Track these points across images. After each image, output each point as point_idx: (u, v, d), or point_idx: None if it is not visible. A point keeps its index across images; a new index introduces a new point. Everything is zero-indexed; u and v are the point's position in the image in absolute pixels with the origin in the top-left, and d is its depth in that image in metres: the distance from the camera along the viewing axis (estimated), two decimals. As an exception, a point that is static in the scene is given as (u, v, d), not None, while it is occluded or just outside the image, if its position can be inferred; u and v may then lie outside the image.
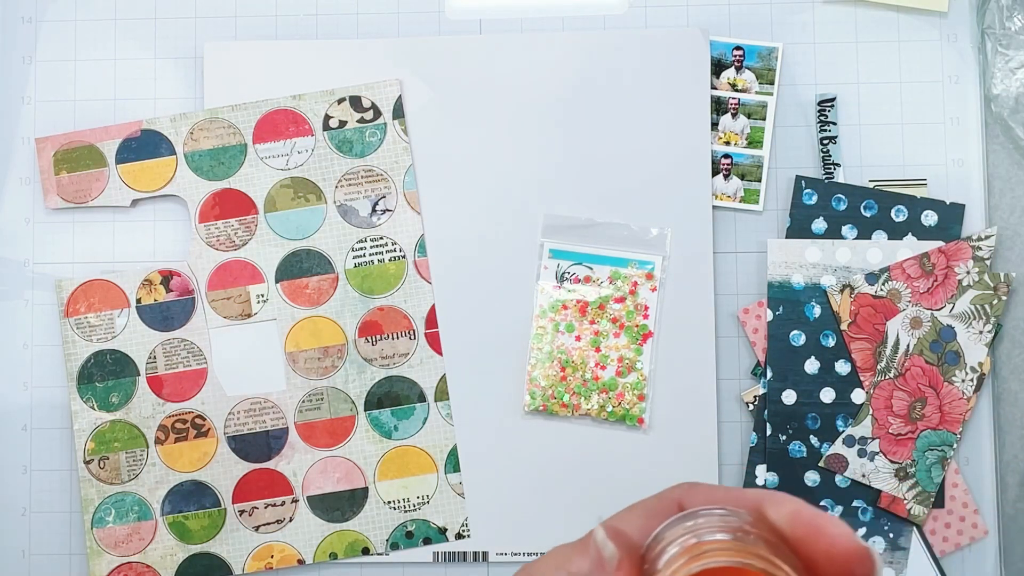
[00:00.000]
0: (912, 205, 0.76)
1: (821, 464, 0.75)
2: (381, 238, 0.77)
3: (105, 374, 0.77)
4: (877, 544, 0.75)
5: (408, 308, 0.77)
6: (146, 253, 0.79)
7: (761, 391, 0.76)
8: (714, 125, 0.78)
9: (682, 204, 0.77)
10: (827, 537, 0.26)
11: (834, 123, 0.77)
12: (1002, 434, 0.76)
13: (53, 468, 0.78)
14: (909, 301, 0.75)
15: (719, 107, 0.78)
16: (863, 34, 0.79)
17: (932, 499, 0.75)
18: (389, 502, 0.77)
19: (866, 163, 0.78)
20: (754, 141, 0.78)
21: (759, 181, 0.77)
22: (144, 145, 0.78)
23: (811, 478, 0.76)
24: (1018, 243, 0.77)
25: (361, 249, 0.77)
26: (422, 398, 0.77)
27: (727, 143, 0.78)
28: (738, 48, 0.78)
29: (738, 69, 0.78)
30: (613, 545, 0.28)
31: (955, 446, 0.75)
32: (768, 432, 0.76)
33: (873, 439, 0.75)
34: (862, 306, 0.75)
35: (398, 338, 0.77)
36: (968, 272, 0.75)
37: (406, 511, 0.76)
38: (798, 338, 0.76)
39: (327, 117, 0.78)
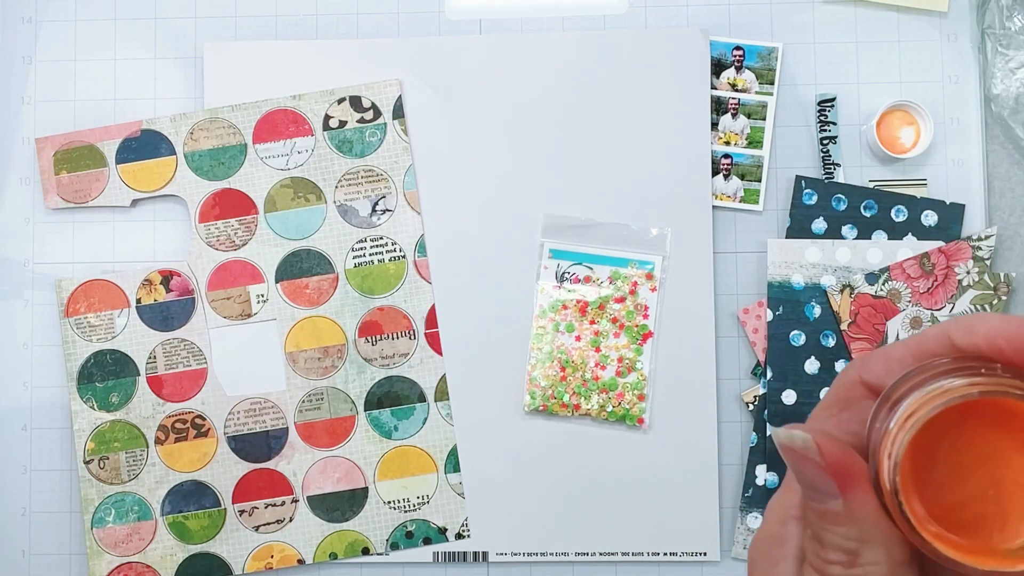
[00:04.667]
0: (912, 205, 0.76)
1: (821, 464, 0.75)
2: (381, 238, 0.77)
3: (105, 374, 0.77)
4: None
5: (408, 308, 0.77)
6: (146, 253, 0.79)
7: (761, 391, 0.76)
8: (714, 125, 0.78)
9: (682, 204, 0.77)
10: None
11: (834, 123, 0.77)
12: (1002, 434, 0.76)
13: (53, 468, 0.78)
14: (909, 301, 0.75)
15: (719, 107, 0.78)
16: (863, 34, 0.79)
17: (932, 499, 0.75)
18: (389, 502, 0.77)
19: (866, 163, 0.78)
20: (754, 141, 0.78)
21: (759, 181, 0.77)
22: (144, 145, 0.78)
23: (811, 478, 0.76)
24: (1018, 243, 0.77)
25: (361, 249, 0.77)
26: (422, 398, 0.77)
27: (727, 143, 0.78)
28: (738, 48, 0.78)
29: (738, 69, 0.78)
30: (800, 432, 0.25)
31: (955, 446, 0.75)
32: (768, 432, 0.76)
33: (873, 439, 0.75)
34: (862, 306, 0.75)
35: (398, 338, 0.77)
36: (968, 272, 0.75)
37: (406, 511, 0.76)
38: (798, 338, 0.76)
39: (327, 117, 0.78)
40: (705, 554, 0.76)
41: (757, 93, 0.78)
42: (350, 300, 0.77)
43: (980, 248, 0.75)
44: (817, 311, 0.76)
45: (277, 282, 0.77)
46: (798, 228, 0.77)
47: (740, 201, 0.77)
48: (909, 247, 0.75)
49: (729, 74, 0.78)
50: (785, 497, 0.27)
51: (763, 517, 0.28)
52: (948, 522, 0.24)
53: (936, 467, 0.24)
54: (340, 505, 0.77)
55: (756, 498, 0.76)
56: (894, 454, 0.23)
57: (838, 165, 0.77)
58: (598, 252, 0.77)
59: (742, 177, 0.77)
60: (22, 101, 0.80)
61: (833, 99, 0.77)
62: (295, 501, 0.77)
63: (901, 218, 0.76)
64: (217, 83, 0.79)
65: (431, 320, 0.77)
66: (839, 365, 0.75)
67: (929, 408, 0.23)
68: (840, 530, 0.24)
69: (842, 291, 0.76)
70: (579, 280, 0.77)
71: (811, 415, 0.28)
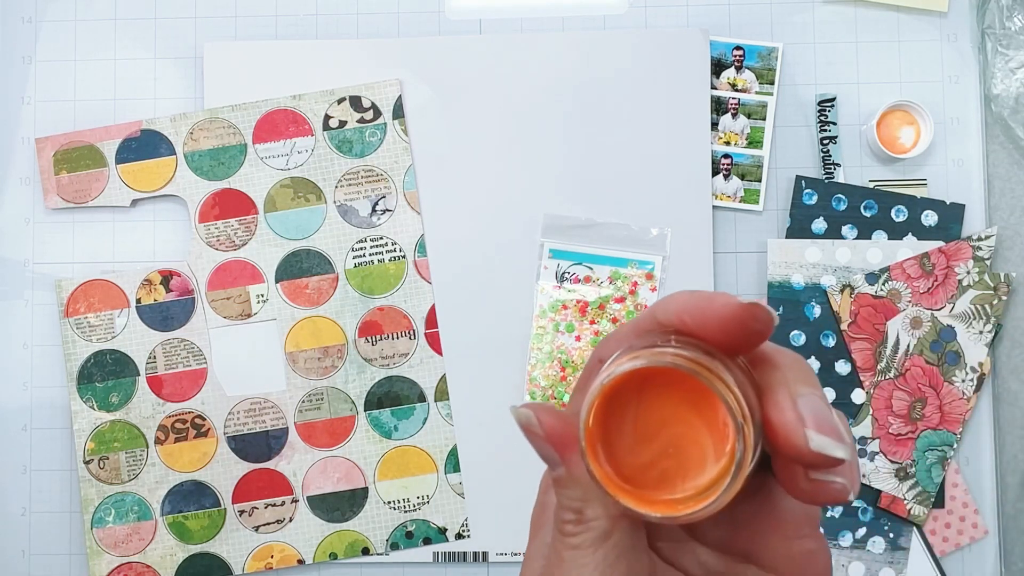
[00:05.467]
0: (912, 205, 0.76)
1: (821, 464, 0.75)
2: (381, 238, 0.77)
3: (105, 374, 0.77)
4: (877, 544, 0.75)
5: (408, 308, 0.77)
6: (146, 253, 0.79)
7: (761, 391, 0.76)
8: (714, 125, 0.78)
9: (682, 204, 0.77)
10: (712, 316, 0.26)
11: (834, 123, 0.77)
12: (1002, 434, 0.76)
13: (53, 468, 0.78)
14: (909, 301, 0.75)
15: (719, 107, 0.78)
16: (863, 34, 0.79)
17: (932, 499, 0.75)
18: (389, 502, 0.77)
19: (866, 163, 0.78)
20: (754, 141, 0.77)
21: (759, 181, 0.77)
22: (144, 145, 0.78)
23: (811, 478, 0.76)
24: (1018, 243, 0.77)
25: (361, 249, 0.77)
26: (422, 398, 0.77)
27: (727, 143, 0.78)
28: (738, 48, 0.78)
29: (738, 69, 0.78)
30: (525, 409, 0.28)
31: (955, 446, 0.75)
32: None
33: (873, 439, 0.75)
34: (862, 306, 0.75)
35: (398, 338, 0.77)
36: (968, 272, 0.75)
37: (406, 511, 0.76)
38: (798, 338, 0.76)
39: (327, 117, 0.78)
40: (705, 554, 0.76)
41: (757, 93, 0.78)
42: (350, 300, 0.77)
43: (980, 248, 0.75)
44: (817, 311, 0.76)
45: (277, 282, 0.77)
46: (798, 228, 0.77)
47: (740, 201, 0.77)
48: (909, 247, 0.75)
49: (729, 74, 0.78)
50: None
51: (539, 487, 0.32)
52: (640, 480, 0.27)
53: (625, 431, 0.27)
54: (340, 505, 0.77)
55: (756, 498, 0.75)
56: (580, 421, 0.26)
57: (838, 165, 0.77)
58: (598, 252, 0.77)
59: (742, 177, 0.77)
60: (22, 101, 0.80)
61: (833, 99, 0.77)
62: (295, 501, 0.77)
63: (901, 218, 0.76)
64: (217, 83, 0.79)
65: (431, 320, 0.77)
66: (839, 365, 0.75)
67: (600, 380, 0.26)
68: (568, 492, 0.28)
69: (842, 291, 0.75)
70: (579, 280, 0.77)
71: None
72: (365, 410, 0.77)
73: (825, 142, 0.77)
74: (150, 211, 0.79)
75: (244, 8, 0.80)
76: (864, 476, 0.75)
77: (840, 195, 0.76)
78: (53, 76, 0.80)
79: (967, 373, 0.75)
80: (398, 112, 0.78)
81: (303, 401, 0.77)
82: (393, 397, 0.77)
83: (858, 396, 0.75)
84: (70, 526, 0.78)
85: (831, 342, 0.76)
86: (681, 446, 0.27)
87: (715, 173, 0.77)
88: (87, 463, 0.77)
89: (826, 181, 0.77)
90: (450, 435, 0.77)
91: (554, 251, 0.77)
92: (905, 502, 0.75)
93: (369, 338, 0.77)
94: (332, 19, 0.80)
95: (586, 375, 0.30)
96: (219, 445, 0.77)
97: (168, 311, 0.77)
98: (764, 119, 0.77)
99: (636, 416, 0.27)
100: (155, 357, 0.77)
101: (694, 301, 0.26)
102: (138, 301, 0.77)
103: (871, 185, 0.77)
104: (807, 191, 0.76)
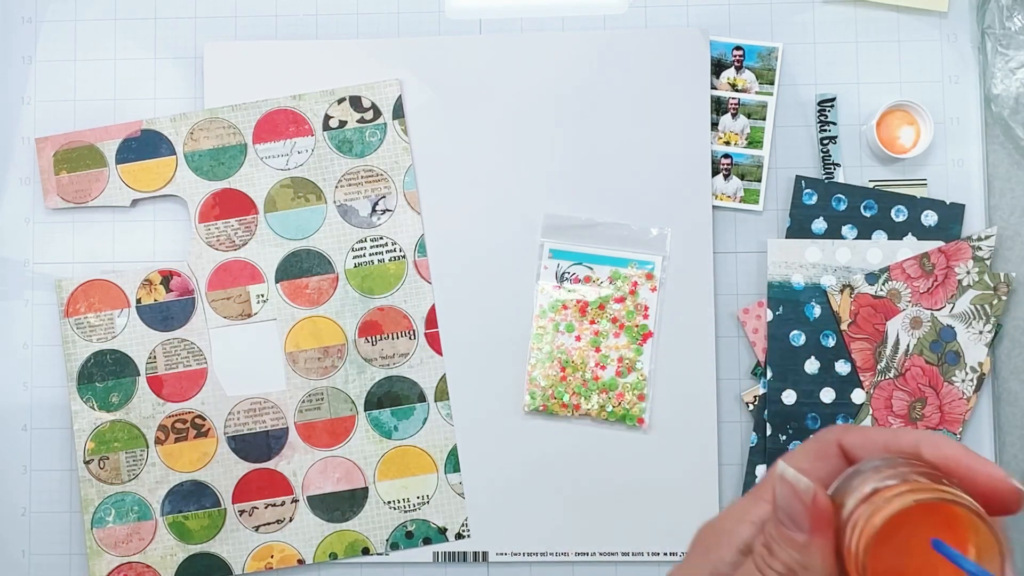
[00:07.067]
0: (912, 205, 0.76)
1: (821, 464, 0.75)
2: (381, 238, 0.77)
3: (105, 374, 0.77)
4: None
5: (408, 308, 0.77)
6: (146, 253, 0.79)
7: (761, 391, 0.76)
8: (714, 125, 0.78)
9: (682, 204, 0.77)
10: (985, 477, 0.31)
11: (834, 123, 0.77)
12: (1002, 434, 0.76)
13: (53, 468, 0.78)
14: (909, 301, 0.75)
15: (719, 107, 0.78)
16: (863, 34, 0.79)
17: (932, 499, 0.74)
18: (389, 502, 0.77)
19: (866, 163, 0.78)
20: (754, 141, 0.77)
21: (759, 181, 0.77)
22: (144, 145, 0.78)
23: (811, 478, 0.76)
24: (1018, 243, 0.77)
25: (361, 249, 0.77)
26: (422, 398, 0.77)
27: (727, 143, 0.78)
28: (738, 48, 0.78)
29: (738, 69, 0.78)
30: (806, 479, 0.31)
31: (955, 446, 0.75)
32: (768, 432, 0.76)
33: (873, 439, 0.75)
34: (862, 306, 0.75)
35: (398, 338, 0.77)
36: (968, 272, 0.75)
37: (406, 511, 0.76)
38: (798, 338, 0.76)
39: (327, 117, 0.78)
40: (705, 554, 0.76)
41: (757, 93, 0.78)
42: (350, 300, 0.77)
43: (980, 248, 0.75)
44: (817, 311, 0.76)
45: (277, 282, 0.77)
46: (798, 228, 0.77)
47: (740, 201, 0.77)
48: (909, 247, 0.75)
49: (729, 74, 0.78)
50: (748, 505, 0.34)
51: (721, 513, 0.35)
52: None
53: (892, 544, 0.30)
54: (340, 505, 0.77)
55: (756, 498, 0.75)
56: (864, 536, 0.29)
57: (838, 165, 0.77)
58: (598, 252, 0.77)
59: (742, 177, 0.77)
60: (22, 101, 0.80)
61: (833, 99, 0.77)
62: (295, 501, 0.77)
63: (901, 218, 0.76)
64: (217, 83, 0.79)
65: (431, 320, 0.77)
66: (839, 365, 0.75)
67: (904, 500, 0.29)
68: (792, 553, 0.31)
69: (842, 291, 0.75)
70: (579, 280, 0.77)
71: (791, 453, 0.35)
72: (365, 410, 0.77)
73: (825, 142, 0.77)
74: (150, 211, 0.79)
75: (244, 8, 0.80)
76: (864, 476, 0.75)
77: (840, 195, 0.76)
78: (53, 76, 0.80)
79: (967, 373, 0.75)
80: (398, 112, 0.78)
81: (303, 401, 0.77)
82: (393, 397, 0.77)
83: (858, 396, 0.75)
84: (70, 526, 0.78)
85: (831, 342, 0.76)
86: (938, 571, 0.30)
87: (715, 173, 0.77)
88: (87, 463, 0.77)
89: (826, 181, 0.77)
90: (450, 435, 0.77)
91: (554, 251, 0.77)
92: (905, 502, 0.75)
93: (369, 338, 0.77)
94: (332, 19, 0.80)
95: (821, 449, 0.34)
96: (219, 445, 0.77)
97: (168, 311, 0.77)
98: (764, 119, 0.77)
99: (907, 538, 0.30)
100: (155, 357, 0.77)
101: (969, 460, 0.31)
102: (138, 301, 0.77)
103: (871, 185, 0.77)
104: (807, 191, 0.76)
